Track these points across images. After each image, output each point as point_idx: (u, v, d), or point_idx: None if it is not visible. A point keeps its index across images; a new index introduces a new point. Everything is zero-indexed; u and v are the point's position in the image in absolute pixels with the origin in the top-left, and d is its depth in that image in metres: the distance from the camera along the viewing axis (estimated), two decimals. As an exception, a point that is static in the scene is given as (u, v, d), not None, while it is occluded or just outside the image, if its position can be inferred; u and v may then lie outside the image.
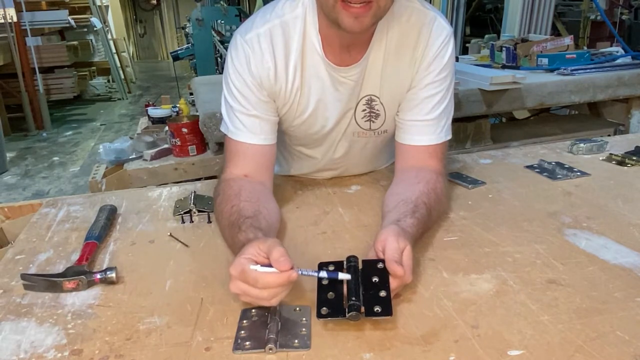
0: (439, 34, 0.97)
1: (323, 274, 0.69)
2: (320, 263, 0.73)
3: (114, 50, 8.44)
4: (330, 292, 0.69)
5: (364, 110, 1.02)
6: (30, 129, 5.96)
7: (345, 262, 0.73)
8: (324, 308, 0.66)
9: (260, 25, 0.96)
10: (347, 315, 0.65)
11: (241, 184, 0.94)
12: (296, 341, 0.64)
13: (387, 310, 0.65)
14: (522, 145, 2.04)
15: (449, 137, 1.03)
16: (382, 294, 0.67)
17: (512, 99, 2.18)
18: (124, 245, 0.93)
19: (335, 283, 0.70)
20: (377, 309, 0.65)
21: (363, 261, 0.73)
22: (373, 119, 1.03)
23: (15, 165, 4.79)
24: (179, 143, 2.04)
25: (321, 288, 0.69)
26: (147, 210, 1.08)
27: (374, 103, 1.01)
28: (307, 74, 0.97)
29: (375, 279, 0.69)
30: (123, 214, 1.07)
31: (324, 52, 0.95)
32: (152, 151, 2.05)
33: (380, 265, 0.71)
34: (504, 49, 2.60)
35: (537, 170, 1.19)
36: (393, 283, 0.69)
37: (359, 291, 0.68)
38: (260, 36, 0.95)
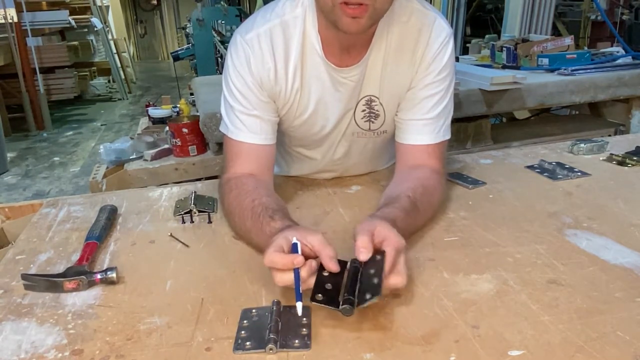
0: (439, 35, 0.97)
1: (297, 281, 0.68)
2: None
3: (114, 51, 8.45)
4: (328, 284, 0.69)
5: (363, 110, 1.02)
6: (30, 129, 5.97)
7: (349, 263, 0.72)
8: (319, 295, 0.66)
9: (260, 25, 0.96)
10: (340, 307, 0.65)
11: (255, 181, 0.95)
12: (297, 341, 0.64)
13: (377, 291, 0.65)
14: (522, 145, 2.04)
15: (448, 137, 1.03)
16: (375, 280, 0.67)
17: (513, 99, 2.18)
18: (125, 245, 0.93)
19: (335, 276, 0.70)
20: (368, 295, 0.65)
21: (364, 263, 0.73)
22: (372, 120, 1.03)
23: (16, 166, 4.79)
24: (179, 143, 2.04)
25: (320, 279, 0.69)
26: (147, 210, 1.08)
27: (373, 103, 1.01)
28: (307, 75, 0.97)
29: (372, 270, 0.69)
30: (123, 214, 1.07)
31: (324, 52, 0.95)
32: (153, 151, 2.05)
33: (378, 257, 0.71)
34: (504, 49, 2.60)
35: (537, 170, 1.19)
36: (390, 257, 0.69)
37: (355, 288, 0.68)
38: (260, 36, 0.95)
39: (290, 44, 0.95)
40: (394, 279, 0.69)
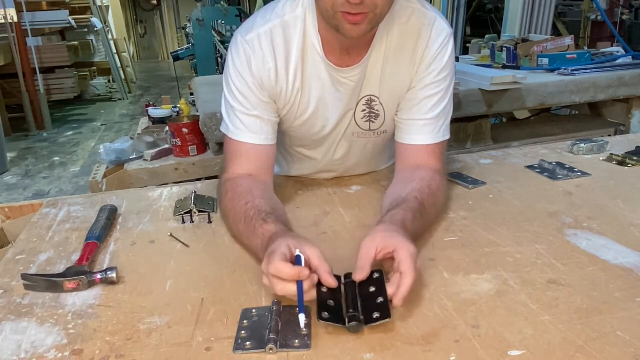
0: (439, 35, 0.97)
1: (301, 293, 0.67)
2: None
3: (114, 51, 8.45)
4: (330, 300, 0.68)
5: (363, 110, 1.02)
6: (30, 129, 5.97)
7: (342, 278, 0.72)
8: (325, 313, 0.66)
9: (261, 26, 0.96)
10: (347, 325, 0.65)
11: (251, 183, 0.95)
12: (297, 341, 0.64)
13: (386, 314, 0.65)
14: (522, 145, 2.04)
15: (448, 137, 1.03)
16: (380, 300, 0.67)
17: (513, 99, 2.18)
18: (125, 245, 0.93)
19: (334, 292, 0.70)
20: (376, 315, 0.65)
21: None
22: (373, 120, 1.03)
23: (16, 166, 4.79)
24: (179, 143, 2.04)
25: (320, 295, 0.69)
26: (147, 210, 1.08)
27: (373, 103, 1.01)
28: (308, 75, 0.97)
29: (372, 289, 0.69)
30: (123, 214, 1.07)
31: (325, 53, 0.95)
32: (153, 151, 2.05)
33: (375, 275, 0.71)
34: (504, 49, 2.60)
35: (537, 170, 1.19)
36: (405, 280, 0.68)
37: (357, 303, 0.68)
38: (261, 36, 0.95)
39: (290, 44, 0.95)
40: (396, 302, 0.68)
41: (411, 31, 0.96)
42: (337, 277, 0.72)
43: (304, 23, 0.95)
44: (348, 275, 0.72)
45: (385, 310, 0.65)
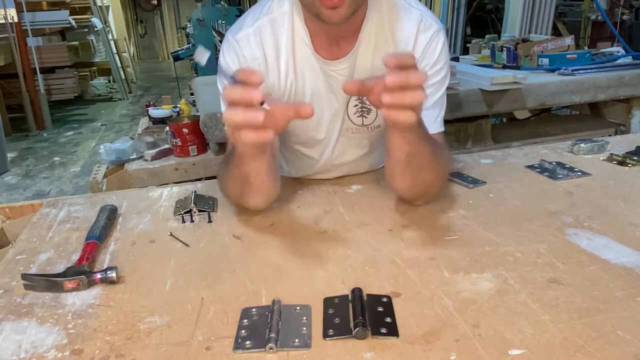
0: (426, 31, 0.98)
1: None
2: (326, 298, 0.72)
3: (114, 51, 8.45)
4: (337, 319, 0.68)
5: (355, 105, 1.04)
6: (31, 129, 5.97)
7: (350, 294, 0.72)
8: (330, 330, 0.66)
9: (250, 25, 0.99)
10: (353, 332, 0.64)
11: None
12: (297, 340, 0.64)
13: (394, 332, 0.65)
14: (522, 145, 2.03)
15: (443, 129, 1.05)
16: (388, 319, 0.67)
17: (513, 99, 2.19)
18: (125, 245, 0.93)
19: (341, 311, 0.69)
20: (384, 330, 0.65)
21: (367, 295, 0.72)
22: (365, 115, 1.04)
23: (16, 166, 4.79)
24: (179, 143, 2.04)
25: (327, 316, 0.69)
26: (147, 210, 1.08)
27: (365, 98, 1.02)
28: (299, 68, 0.99)
29: (380, 308, 0.69)
30: (123, 214, 1.07)
31: (314, 45, 0.97)
32: (153, 151, 2.05)
33: (384, 299, 0.71)
34: (504, 49, 2.60)
35: (537, 170, 1.19)
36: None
37: (365, 314, 0.67)
38: (249, 35, 0.98)
39: (279, 39, 0.98)
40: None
41: (398, 29, 0.98)
42: (345, 296, 0.72)
43: (291, 18, 0.97)
44: (355, 290, 0.72)
45: (393, 330, 0.65)
